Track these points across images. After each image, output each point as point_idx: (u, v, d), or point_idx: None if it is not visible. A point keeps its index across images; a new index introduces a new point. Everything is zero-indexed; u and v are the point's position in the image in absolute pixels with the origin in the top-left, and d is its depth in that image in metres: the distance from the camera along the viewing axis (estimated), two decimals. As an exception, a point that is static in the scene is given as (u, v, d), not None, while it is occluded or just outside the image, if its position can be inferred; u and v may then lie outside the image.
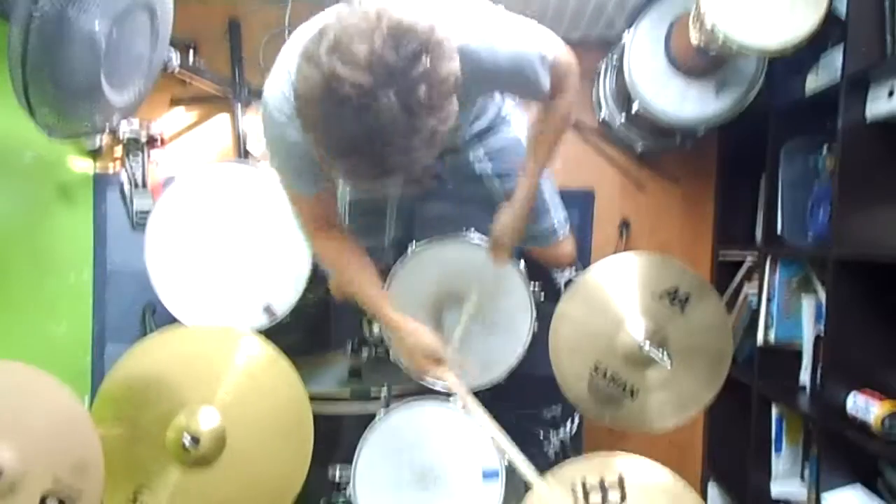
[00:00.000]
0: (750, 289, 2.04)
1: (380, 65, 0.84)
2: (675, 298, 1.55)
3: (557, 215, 1.76)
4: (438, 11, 1.13)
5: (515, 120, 1.67)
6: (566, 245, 1.81)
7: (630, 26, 1.91)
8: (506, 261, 1.65)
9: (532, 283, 1.72)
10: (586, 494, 1.53)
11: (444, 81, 0.90)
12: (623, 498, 1.52)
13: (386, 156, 0.90)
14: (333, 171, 1.02)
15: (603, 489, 1.53)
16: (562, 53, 1.32)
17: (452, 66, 0.91)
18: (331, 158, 0.94)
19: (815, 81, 1.79)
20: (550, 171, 1.72)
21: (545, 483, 1.48)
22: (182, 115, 2.36)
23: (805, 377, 1.83)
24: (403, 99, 0.86)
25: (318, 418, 1.61)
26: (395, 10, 0.88)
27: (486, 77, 1.22)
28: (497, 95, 1.63)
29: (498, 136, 1.66)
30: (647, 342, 1.50)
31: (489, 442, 1.62)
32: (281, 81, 1.15)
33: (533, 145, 1.50)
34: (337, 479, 1.77)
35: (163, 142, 2.33)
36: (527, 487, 1.49)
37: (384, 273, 1.72)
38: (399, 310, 1.67)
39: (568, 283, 2.08)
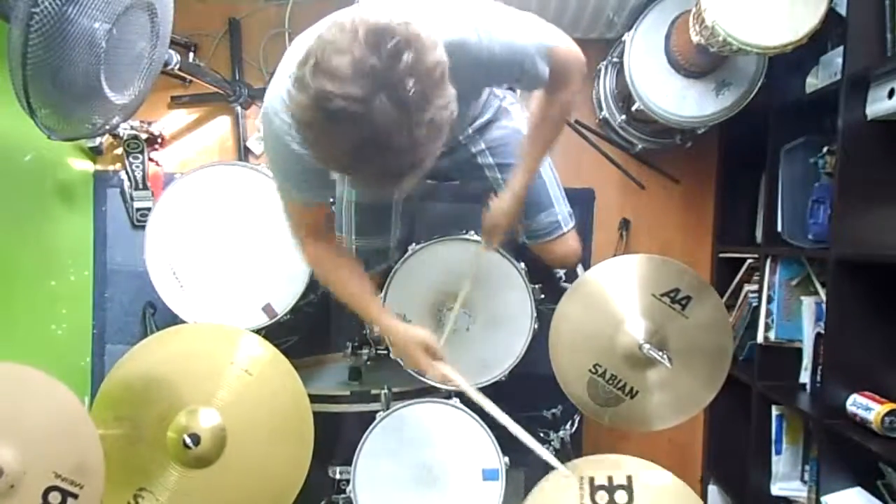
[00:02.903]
0: (750, 289, 2.04)
1: (363, 72, 0.85)
2: (675, 299, 1.54)
3: (561, 209, 1.72)
4: (433, 6, 1.14)
5: (516, 112, 1.67)
6: (571, 240, 1.75)
7: (630, 27, 1.92)
8: (496, 246, 1.60)
9: (532, 283, 1.72)
10: (593, 493, 1.53)
11: (432, 71, 0.89)
12: (630, 500, 1.52)
13: (393, 158, 0.90)
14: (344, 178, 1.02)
15: (610, 490, 1.53)
16: (563, 44, 1.33)
17: (436, 54, 0.91)
18: (342, 173, 0.96)
19: (815, 81, 1.79)
20: (553, 165, 1.72)
21: (566, 468, 1.51)
22: (182, 115, 2.36)
23: (805, 377, 1.83)
24: (395, 98, 0.86)
25: (318, 418, 1.61)
26: (371, 16, 0.88)
27: (484, 69, 1.23)
28: (498, 90, 1.64)
29: (499, 128, 1.65)
30: (647, 342, 1.50)
31: (505, 434, 1.60)
32: (281, 89, 1.15)
33: (532, 134, 1.49)
34: (337, 478, 1.77)
35: (163, 142, 2.34)
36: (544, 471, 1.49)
37: (386, 273, 1.72)
38: (399, 308, 1.68)
39: (570, 272, 2.07)
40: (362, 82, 0.85)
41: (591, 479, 1.53)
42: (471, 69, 1.19)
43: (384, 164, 0.91)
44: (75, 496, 1.31)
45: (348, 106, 0.85)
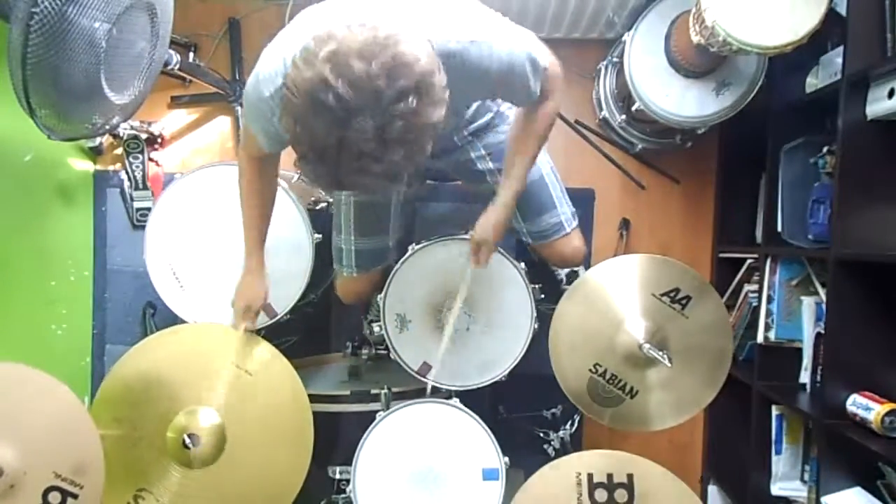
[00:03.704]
0: (750, 289, 2.04)
1: (368, 88, 0.87)
2: (675, 298, 1.54)
3: (564, 210, 1.72)
4: (433, 14, 1.14)
5: (514, 116, 1.67)
6: (574, 240, 1.75)
7: (630, 27, 1.92)
8: (487, 263, 1.56)
9: (532, 283, 1.72)
10: (592, 490, 1.52)
11: (424, 126, 0.92)
12: (630, 499, 1.51)
13: (342, 170, 0.93)
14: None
15: (610, 487, 1.52)
16: (553, 64, 1.33)
17: (438, 113, 0.93)
18: (296, 152, 0.97)
19: (815, 81, 1.79)
20: (555, 166, 1.72)
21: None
22: (182, 115, 2.36)
23: (805, 377, 1.83)
24: (378, 127, 0.89)
25: (318, 418, 1.61)
26: (406, 41, 0.90)
27: (476, 84, 1.23)
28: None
29: (497, 134, 1.66)
30: (647, 342, 1.50)
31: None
32: (277, 59, 1.17)
33: (515, 148, 1.47)
34: (337, 478, 1.77)
35: (163, 142, 2.34)
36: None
37: (386, 273, 1.72)
38: (399, 308, 1.67)
39: (570, 273, 2.08)
40: (360, 95, 0.87)
41: (590, 476, 1.52)
42: (462, 82, 1.16)
43: (332, 170, 0.93)
44: (75, 496, 1.31)
45: (337, 106, 0.87)
